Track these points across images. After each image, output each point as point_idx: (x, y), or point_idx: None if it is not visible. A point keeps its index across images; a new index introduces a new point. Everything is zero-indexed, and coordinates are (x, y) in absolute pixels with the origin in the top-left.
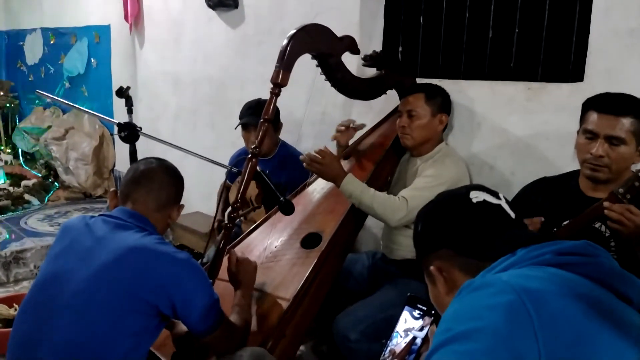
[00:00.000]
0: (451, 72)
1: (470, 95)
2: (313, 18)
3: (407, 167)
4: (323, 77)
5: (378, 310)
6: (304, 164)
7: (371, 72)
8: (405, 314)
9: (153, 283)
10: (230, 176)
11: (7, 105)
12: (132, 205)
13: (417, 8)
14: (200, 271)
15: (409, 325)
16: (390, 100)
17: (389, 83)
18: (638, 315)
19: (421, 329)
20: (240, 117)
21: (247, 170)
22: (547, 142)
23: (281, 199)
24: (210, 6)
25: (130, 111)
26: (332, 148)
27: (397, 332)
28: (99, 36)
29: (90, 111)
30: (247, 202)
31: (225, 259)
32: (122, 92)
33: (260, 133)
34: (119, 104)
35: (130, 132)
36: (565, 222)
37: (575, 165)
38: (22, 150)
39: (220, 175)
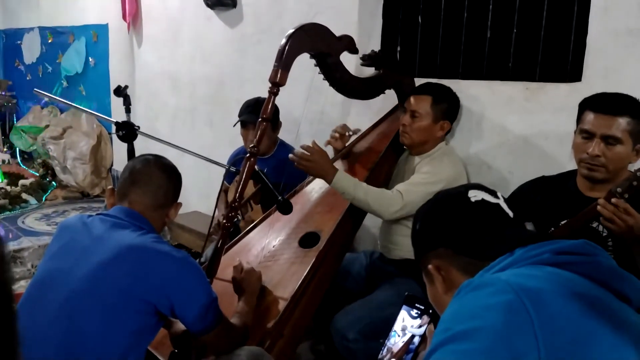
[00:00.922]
0: (449, 71)
1: (468, 95)
2: (312, 17)
3: (405, 164)
4: (321, 76)
5: (376, 310)
6: (294, 163)
7: (369, 71)
8: (403, 313)
9: (150, 282)
10: (229, 176)
11: (5, 104)
12: (129, 204)
13: (415, 8)
14: (198, 270)
15: (406, 324)
16: (388, 99)
17: (387, 83)
18: (636, 314)
19: (419, 328)
20: (240, 115)
21: (245, 170)
22: (546, 141)
23: (279, 198)
24: (208, 5)
25: (128, 110)
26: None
27: (394, 331)
28: (97, 35)
29: (88, 110)
30: (245, 202)
31: (225, 262)
32: (120, 91)
33: (259, 132)
34: (117, 103)
35: (128, 131)
36: (563, 222)
37: (573, 165)
38: (19, 150)
39: (218, 174)
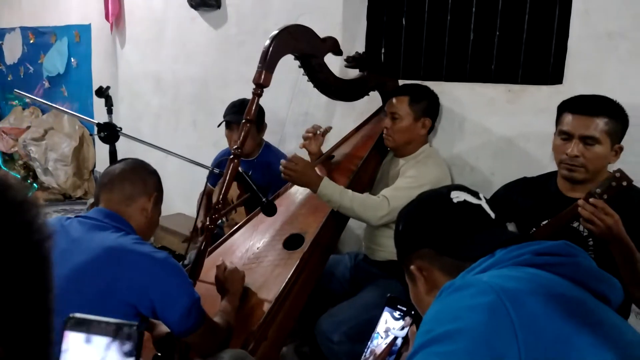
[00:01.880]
0: (433, 74)
1: (452, 96)
2: (296, 19)
3: (390, 167)
4: (306, 78)
5: (360, 312)
6: (282, 174)
7: (354, 73)
8: (386, 315)
9: (131, 283)
10: (212, 178)
11: None
12: (103, 204)
13: (399, 10)
14: (180, 270)
15: (389, 326)
16: (373, 101)
17: (371, 84)
18: (616, 314)
19: (402, 329)
20: (224, 116)
21: (229, 171)
22: (527, 143)
23: (263, 200)
24: (192, 6)
25: (110, 111)
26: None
27: (377, 332)
28: (79, 35)
29: (69, 111)
30: (229, 204)
31: (208, 264)
32: (102, 92)
33: (242, 134)
34: (99, 104)
35: (110, 133)
36: (544, 222)
37: (554, 166)
38: (0, 151)
39: (202, 175)
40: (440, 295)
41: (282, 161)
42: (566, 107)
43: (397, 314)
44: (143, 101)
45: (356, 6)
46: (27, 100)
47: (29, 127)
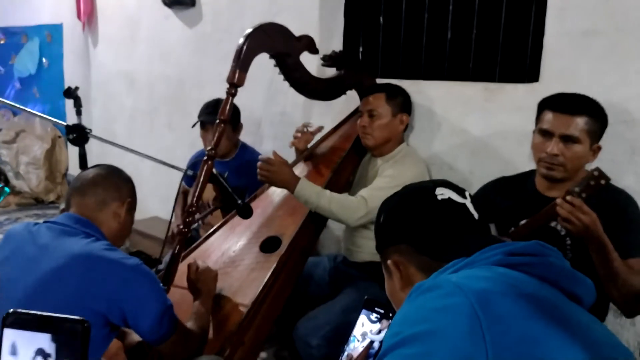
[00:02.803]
0: (411, 72)
1: (429, 95)
2: (273, 17)
3: (368, 167)
4: (282, 77)
5: (339, 315)
6: (258, 175)
7: (332, 72)
8: (363, 318)
9: (100, 291)
10: (187, 180)
11: None
12: (74, 209)
13: (377, 8)
14: (151, 277)
15: (366, 329)
16: (350, 100)
17: (348, 83)
18: (587, 314)
19: (378, 333)
20: (199, 116)
21: (203, 173)
22: (505, 141)
23: (239, 202)
24: (166, 4)
25: (79, 112)
26: (291, 153)
27: (354, 336)
28: (51, 35)
29: (37, 113)
30: (204, 206)
31: (183, 266)
32: (70, 93)
33: (217, 134)
34: (71, 105)
35: (79, 135)
36: (522, 222)
37: (532, 165)
38: None
39: (179, 177)
40: (410, 297)
41: (259, 162)
42: (547, 105)
43: (373, 316)
44: (117, 102)
45: (333, 4)
46: None
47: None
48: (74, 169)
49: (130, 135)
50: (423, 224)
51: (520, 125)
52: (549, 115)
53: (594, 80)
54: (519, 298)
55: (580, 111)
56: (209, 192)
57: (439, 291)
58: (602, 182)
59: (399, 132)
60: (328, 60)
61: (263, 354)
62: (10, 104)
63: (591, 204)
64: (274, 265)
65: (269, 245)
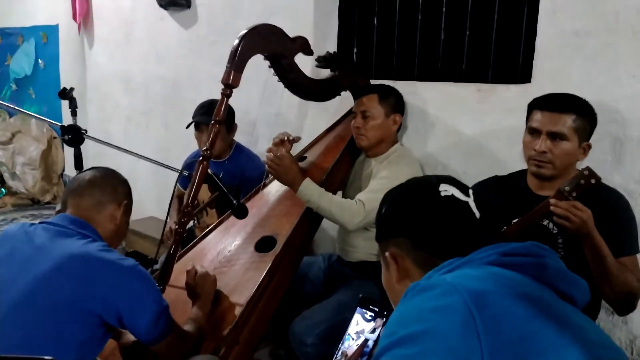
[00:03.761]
0: (405, 73)
1: (423, 96)
2: (267, 18)
3: (362, 168)
4: (276, 78)
5: (334, 314)
6: (266, 166)
7: (326, 73)
8: (357, 316)
9: (96, 292)
10: (182, 181)
11: None
12: (70, 210)
13: (371, 10)
14: (147, 278)
15: (360, 328)
16: (345, 101)
17: (343, 84)
18: (581, 314)
19: (373, 331)
20: (193, 117)
21: (198, 173)
22: (498, 141)
23: (234, 202)
24: (161, 5)
25: (74, 113)
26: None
27: (349, 334)
28: (46, 36)
29: (33, 114)
30: (198, 207)
31: (179, 268)
32: (66, 94)
33: (211, 135)
34: (67, 106)
35: (74, 135)
36: (514, 220)
37: (524, 165)
38: None
39: (174, 178)
40: (405, 297)
41: (269, 154)
42: (535, 104)
43: (368, 315)
44: (112, 103)
45: (328, 6)
46: None
47: None
48: (70, 170)
49: (126, 135)
50: (423, 219)
51: (513, 125)
52: (537, 114)
53: (586, 80)
54: (514, 298)
55: (568, 109)
56: (204, 193)
57: (434, 291)
58: (593, 181)
59: (392, 132)
60: (322, 62)
61: (258, 353)
62: (6, 105)
63: (583, 202)
64: (269, 264)
65: (264, 245)
